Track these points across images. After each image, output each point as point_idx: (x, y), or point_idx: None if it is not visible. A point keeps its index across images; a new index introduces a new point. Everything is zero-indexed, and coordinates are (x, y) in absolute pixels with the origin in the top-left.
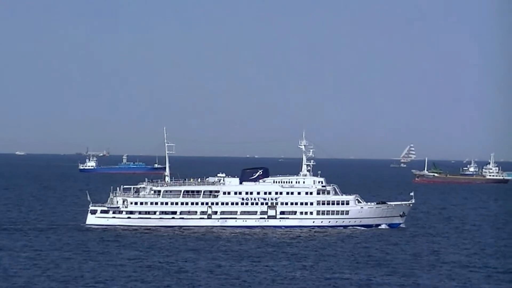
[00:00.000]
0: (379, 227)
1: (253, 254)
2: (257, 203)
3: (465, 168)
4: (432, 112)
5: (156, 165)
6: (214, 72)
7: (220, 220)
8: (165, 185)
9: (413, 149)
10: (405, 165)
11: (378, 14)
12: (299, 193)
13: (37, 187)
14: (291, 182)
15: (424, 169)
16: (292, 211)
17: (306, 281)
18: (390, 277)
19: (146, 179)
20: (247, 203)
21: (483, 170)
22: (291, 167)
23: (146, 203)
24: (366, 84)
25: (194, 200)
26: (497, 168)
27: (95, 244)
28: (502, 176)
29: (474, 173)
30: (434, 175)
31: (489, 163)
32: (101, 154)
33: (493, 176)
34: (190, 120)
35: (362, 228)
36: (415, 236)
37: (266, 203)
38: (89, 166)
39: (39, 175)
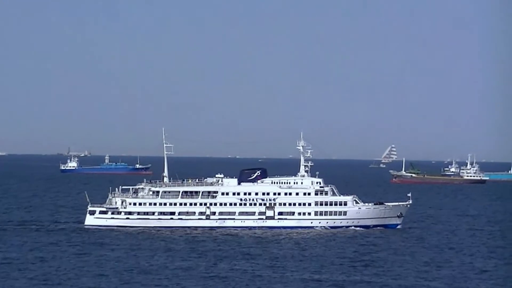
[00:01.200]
0: (376, 228)
1: (231, 255)
2: (255, 204)
3: (446, 169)
4: (415, 112)
5: (137, 166)
6: (197, 71)
7: (218, 220)
8: (164, 186)
9: (394, 149)
10: (384, 166)
11: (361, 16)
12: (297, 194)
13: (19, 187)
14: (289, 183)
15: (401, 170)
16: (290, 212)
17: (281, 282)
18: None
19: (145, 180)
20: (245, 204)
21: (461, 170)
22: (272, 168)
23: (144, 203)
24: (348, 85)
25: (193, 200)
26: (474, 168)
27: (89, 245)
28: (480, 176)
29: (453, 173)
30: (411, 176)
31: (467, 164)
32: (83, 155)
33: (471, 176)
34: (173, 120)
35: (360, 228)
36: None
37: (264, 204)
38: (70, 166)
39: (20, 176)
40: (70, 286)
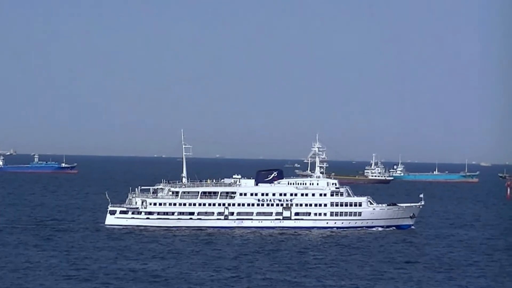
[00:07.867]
0: (390, 228)
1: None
2: (272, 204)
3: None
4: (343, 112)
5: (63, 164)
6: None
7: (236, 221)
8: (183, 186)
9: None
10: (299, 165)
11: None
12: (313, 195)
13: None
14: (305, 184)
15: (307, 169)
16: (307, 212)
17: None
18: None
19: (163, 180)
20: (262, 204)
21: (365, 170)
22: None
23: (164, 204)
24: (280, 83)
25: (212, 201)
26: (379, 168)
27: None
28: (384, 176)
29: (369, 173)
30: None
31: (372, 163)
32: (8, 153)
33: (376, 176)
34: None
35: (373, 229)
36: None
37: (282, 205)
38: None
39: None
40: None
